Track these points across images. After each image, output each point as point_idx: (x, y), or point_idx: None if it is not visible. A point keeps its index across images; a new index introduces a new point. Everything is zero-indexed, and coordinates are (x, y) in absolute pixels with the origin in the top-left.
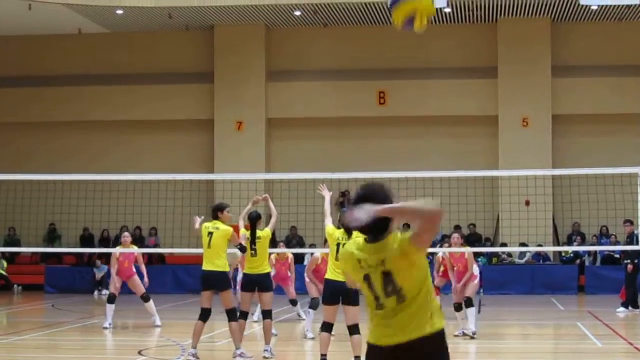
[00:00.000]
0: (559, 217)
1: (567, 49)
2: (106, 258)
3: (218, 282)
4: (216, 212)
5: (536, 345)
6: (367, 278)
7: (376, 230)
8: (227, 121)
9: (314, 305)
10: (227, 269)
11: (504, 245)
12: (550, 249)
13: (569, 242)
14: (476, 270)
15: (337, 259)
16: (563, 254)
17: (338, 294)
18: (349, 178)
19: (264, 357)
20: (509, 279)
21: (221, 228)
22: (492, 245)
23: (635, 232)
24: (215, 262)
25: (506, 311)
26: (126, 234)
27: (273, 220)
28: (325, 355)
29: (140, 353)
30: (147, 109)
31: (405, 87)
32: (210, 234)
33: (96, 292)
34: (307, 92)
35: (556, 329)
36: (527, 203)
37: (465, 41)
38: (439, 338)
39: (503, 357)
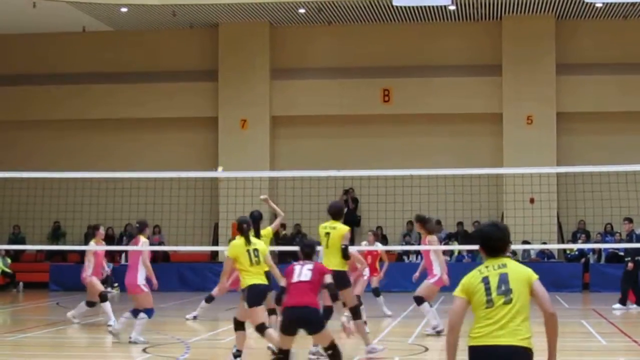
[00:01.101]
0: (563, 215)
1: (571, 47)
2: (110, 256)
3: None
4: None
5: (540, 343)
6: None
7: None
8: (231, 119)
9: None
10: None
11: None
12: (554, 246)
13: (574, 240)
14: (437, 269)
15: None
16: (567, 252)
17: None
18: (353, 176)
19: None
20: None
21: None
22: None
23: (636, 230)
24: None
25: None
26: (101, 227)
27: (277, 221)
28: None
29: (144, 350)
30: (151, 107)
31: (410, 85)
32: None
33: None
34: (311, 90)
35: (560, 326)
36: (532, 200)
37: (469, 39)
38: None
39: None
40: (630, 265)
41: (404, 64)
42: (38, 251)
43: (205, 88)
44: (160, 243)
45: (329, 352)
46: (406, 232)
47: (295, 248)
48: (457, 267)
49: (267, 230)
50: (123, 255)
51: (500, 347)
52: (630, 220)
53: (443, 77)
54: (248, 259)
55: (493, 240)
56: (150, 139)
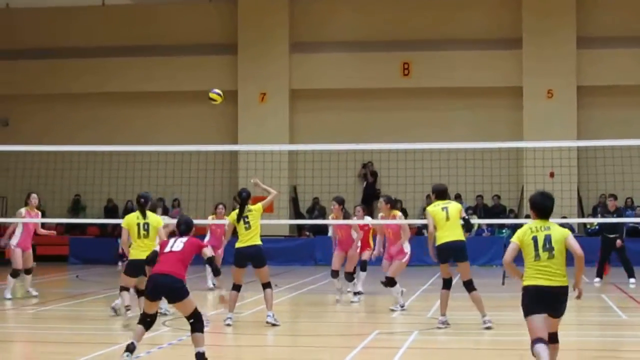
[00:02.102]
0: (583, 189)
1: (592, 20)
2: None
3: None
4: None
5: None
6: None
7: None
8: (251, 92)
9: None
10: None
11: (528, 217)
12: (574, 220)
13: (594, 214)
14: (407, 247)
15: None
16: (587, 226)
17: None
18: (372, 149)
19: (267, 322)
20: None
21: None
22: (516, 217)
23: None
24: None
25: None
26: (34, 194)
27: (269, 198)
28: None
29: (164, 324)
30: (170, 81)
31: (429, 58)
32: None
33: (120, 263)
34: (330, 63)
35: (580, 300)
36: (552, 174)
37: (489, 12)
38: None
39: (526, 329)
40: (618, 243)
41: (423, 38)
42: (57, 224)
43: (224, 61)
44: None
45: (191, 320)
46: (426, 206)
47: (314, 221)
48: (477, 242)
49: (257, 206)
50: None
51: (546, 287)
52: (614, 197)
53: (463, 50)
54: (136, 232)
55: (543, 207)
56: (170, 112)
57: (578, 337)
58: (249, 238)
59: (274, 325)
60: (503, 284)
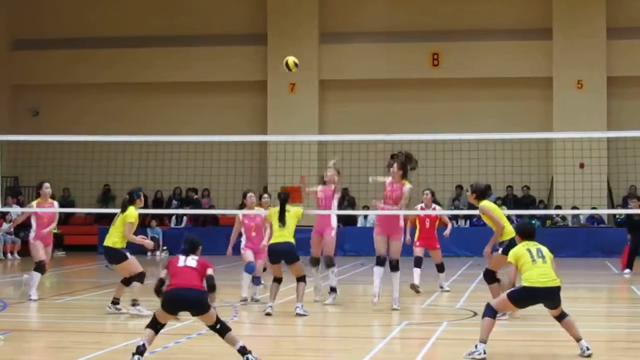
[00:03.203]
0: (613, 180)
1: (622, 10)
2: (159, 219)
3: None
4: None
5: (589, 309)
6: None
7: None
8: (280, 83)
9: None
10: None
11: (558, 207)
12: (604, 211)
13: (624, 205)
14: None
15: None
16: (617, 217)
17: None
18: (402, 140)
19: (296, 313)
20: (562, 242)
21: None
22: (546, 208)
23: None
24: None
25: (559, 274)
26: (46, 184)
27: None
28: None
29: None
30: (200, 70)
31: (459, 49)
32: None
33: (149, 253)
34: (360, 54)
35: (610, 292)
36: (582, 165)
37: (519, 2)
38: None
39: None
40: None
41: (453, 28)
42: (87, 214)
43: (254, 52)
44: (210, 206)
45: (217, 327)
46: (455, 197)
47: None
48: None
49: (297, 210)
50: (173, 218)
51: (544, 288)
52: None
53: (493, 40)
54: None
55: (530, 233)
56: (199, 102)
57: (607, 328)
58: (282, 235)
59: (302, 315)
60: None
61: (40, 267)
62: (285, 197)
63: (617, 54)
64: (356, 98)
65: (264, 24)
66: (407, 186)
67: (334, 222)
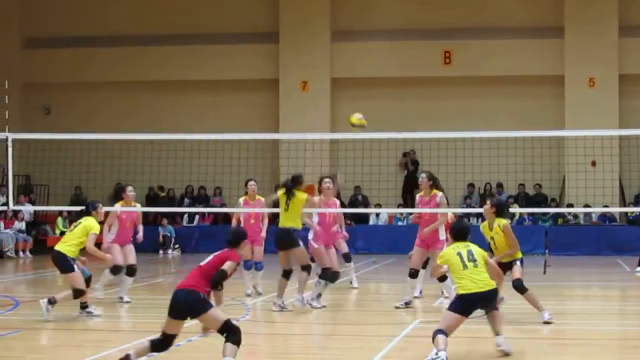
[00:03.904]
0: (625, 178)
1: (634, 8)
2: (171, 218)
3: None
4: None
5: (601, 307)
6: None
7: None
8: (292, 81)
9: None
10: None
11: (569, 205)
12: (616, 209)
13: (636, 203)
14: (442, 234)
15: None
16: (629, 215)
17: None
18: (414, 138)
19: (293, 304)
20: (574, 240)
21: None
22: (558, 206)
23: None
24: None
25: (571, 272)
26: (129, 187)
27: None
28: None
29: None
30: (212, 69)
31: (471, 47)
32: None
33: (161, 251)
34: (371, 52)
35: (622, 290)
36: (593, 163)
37: (531, 0)
38: None
39: (568, 318)
40: None
41: (465, 26)
42: None
43: (266, 50)
44: (222, 205)
45: (224, 334)
46: (467, 195)
47: (355, 210)
48: (518, 230)
49: (302, 195)
50: (185, 216)
51: (479, 293)
52: None
53: (505, 39)
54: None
55: (463, 234)
56: (211, 100)
57: (620, 326)
58: (283, 219)
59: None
60: (544, 273)
61: (117, 270)
62: (296, 180)
63: (629, 52)
64: (368, 96)
65: (276, 22)
66: (440, 194)
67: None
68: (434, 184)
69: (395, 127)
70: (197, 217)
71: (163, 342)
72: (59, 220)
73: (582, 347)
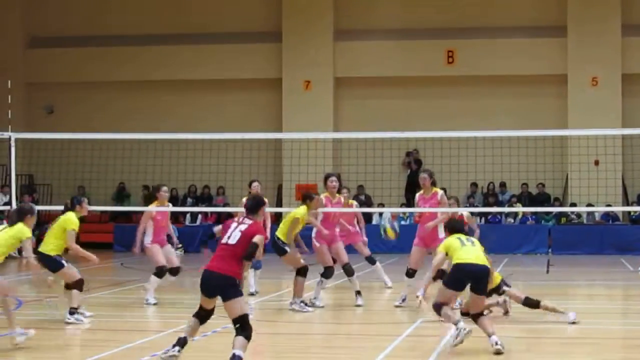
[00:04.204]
0: (628, 177)
1: (637, 7)
2: (174, 217)
3: None
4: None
5: (604, 306)
6: None
7: None
8: (295, 80)
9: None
10: None
11: (572, 205)
12: (619, 208)
13: (639, 202)
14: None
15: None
16: (632, 214)
17: None
18: (417, 137)
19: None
20: (577, 239)
21: None
22: (561, 205)
23: None
24: None
25: (574, 271)
26: (164, 187)
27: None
28: None
29: None
30: (215, 68)
31: (474, 46)
32: None
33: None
34: (375, 51)
35: (625, 289)
36: (596, 163)
37: None
38: None
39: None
40: None
41: (468, 25)
42: (102, 212)
43: (269, 49)
44: (225, 204)
45: (237, 326)
46: (470, 194)
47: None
48: (521, 230)
49: (293, 214)
50: (188, 216)
51: (476, 264)
52: None
53: (508, 38)
54: None
55: (458, 226)
56: (214, 100)
57: (623, 325)
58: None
59: (295, 311)
60: (547, 272)
61: (161, 272)
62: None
63: (632, 51)
64: (371, 95)
65: (279, 21)
66: (440, 192)
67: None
68: (435, 182)
69: (398, 126)
70: (199, 216)
71: (206, 315)
72: None
73: (585, 346)
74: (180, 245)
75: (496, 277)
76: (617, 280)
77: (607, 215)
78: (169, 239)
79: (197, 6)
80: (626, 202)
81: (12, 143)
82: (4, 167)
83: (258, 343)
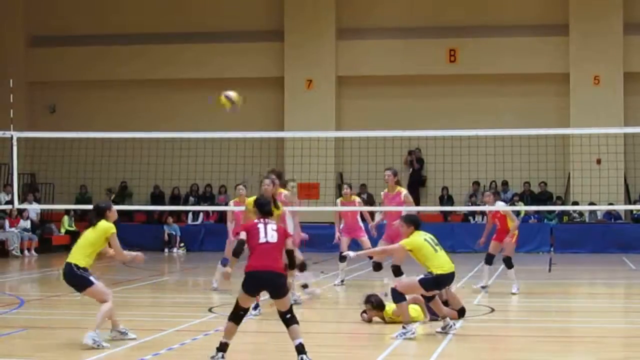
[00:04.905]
0: (630, 176)
1: (639, 5)
2: (177, 216)
3: None
4: None
5: (606, 304)
6: None
7: None
8: (297, 79)
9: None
10: None
11: (575, 203)
12: (621, 207)
13: None
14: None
15: None
16: (634, 213)
17: None
18: (419, 136)
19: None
20: (579, 238)
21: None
22: (563, 204)
23: None
24: None
25: (576, 270)
26: (240, 186)
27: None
28: None
29: (210, 310)
30: (216, 67)
31: (476, 45)
32: None
33: (166, 250)
34: (377, 50)
35: (627, 287)
36: (598, 161)
37: None
38: None
39: (573, 316)
40: None
41: (470, 24)
42: None
43: (271, 48)
44: (226, 203)
45: (288, 316)
46: (472, 193)
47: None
48: (524, 228)
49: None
50: (190, 214)
51: (452, 273)
52: None
53: (510, 36)
54: None
55: (419, 221)
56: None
57: (625, 324)
58: None
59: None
60: (549, 270)
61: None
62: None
63: (634, 50)
64: (373, 94)
65: (281, 20)
66: (404, 192)
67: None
68: (399, 181)
69: (400, 125)
70: (201, 215)
71: (244, 314)
72: (65, 218)
73: (587, 345)
74: (182, 245)
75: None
76: (619, 278)
77: (609, 214)
78: (170, 238)
79: (199, 5)
80: (628, 201)
81: (15, 142)
82: (6, 166)
83: (260, 341)
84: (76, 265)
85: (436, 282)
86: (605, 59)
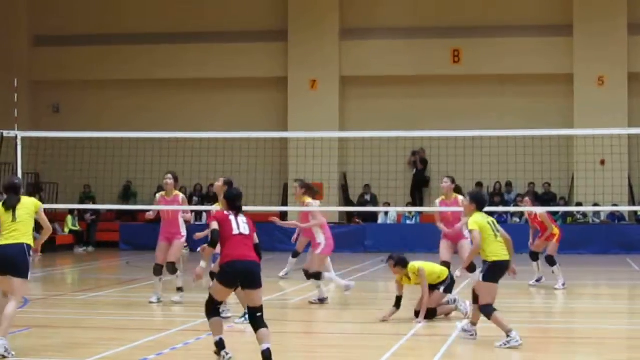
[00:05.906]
0: (634, 177)
1: None
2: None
3: None
4: None
5: (610, 305)
6: None
7: None
8: (301, 79)
9: None
10: None
11: (578, 204)
12: (625, 208)
13: None
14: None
15: None
16: (638, 213)
17: None
18: (422, 136)
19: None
20: (583, 239)
21: None
22: (567, 204)
23: None
24: None
25: (580, 271)
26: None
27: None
28: None
29: None
30: (220, 67)
31: (480, 45)
32: None
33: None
34: (381, 50)
35: (631, 289)
36: (602, 162)
37: None
38: None
39: (576, 317)
40: None
41: (474, 25)
42: (108, 210)
43: (274, 48)
44: None
45: (259, 314)
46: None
47: (364, 209)
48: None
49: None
50: (193, 214)
51: (509, 260)
52: None
53: (514, 37)
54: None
55: (485, 201)
56: (220, 99)
57: (629, 325)
58: None
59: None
60: (553, 272)
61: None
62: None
63: (638, 50)
64: (377, 94)
65: (285, 20)
66: (461, 198)
67: (319, 239)
68: (458, 187)
69: (404, 125)
70: (205, 215)
71: (219, 308)
72: (69, 218)
73: (590, 346)
74: (185, 244)
75: (443, 271)
76: (623, 280)
77: (613, 215)
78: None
79: (203, 5)
80: (632, 202)
81: (19, 142)
82: (10, 165)
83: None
84: (29, 247)
85: (492, 272)
86: (610, 60)
